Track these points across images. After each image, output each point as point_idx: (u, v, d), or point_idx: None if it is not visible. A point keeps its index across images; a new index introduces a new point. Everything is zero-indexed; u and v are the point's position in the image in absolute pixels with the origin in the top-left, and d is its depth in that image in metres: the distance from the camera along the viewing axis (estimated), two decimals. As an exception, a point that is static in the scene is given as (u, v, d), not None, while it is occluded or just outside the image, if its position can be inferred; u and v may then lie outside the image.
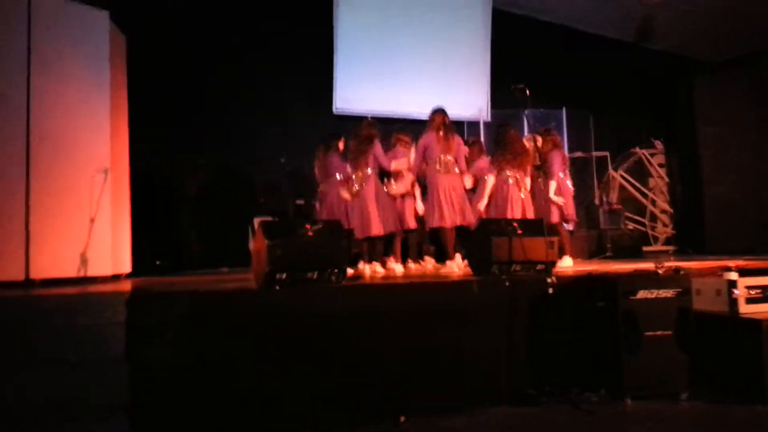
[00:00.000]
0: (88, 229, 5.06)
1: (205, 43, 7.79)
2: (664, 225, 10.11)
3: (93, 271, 5.04)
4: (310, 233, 3.56)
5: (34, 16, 4.83)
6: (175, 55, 7.55)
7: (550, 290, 3.78)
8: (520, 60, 8.78)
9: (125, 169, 5.97)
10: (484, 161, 6.02)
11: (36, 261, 4.69)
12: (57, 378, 3.03)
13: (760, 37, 8.75)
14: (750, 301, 3.87)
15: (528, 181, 5.73)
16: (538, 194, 5.99)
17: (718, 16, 8.51)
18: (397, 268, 5.55)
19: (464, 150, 5.78)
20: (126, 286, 4.60)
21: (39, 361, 3.11)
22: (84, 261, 5.01)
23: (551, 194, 5.94)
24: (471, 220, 5.41)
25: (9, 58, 4.72)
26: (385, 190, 5.67)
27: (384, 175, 5.81)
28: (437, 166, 5.42)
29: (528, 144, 6.00)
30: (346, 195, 5.65)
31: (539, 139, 6.22)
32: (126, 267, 5.80)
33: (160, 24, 7.41)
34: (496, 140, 5.88)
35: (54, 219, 4.85)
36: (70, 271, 4.90)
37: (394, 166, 5.73)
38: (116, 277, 5.43)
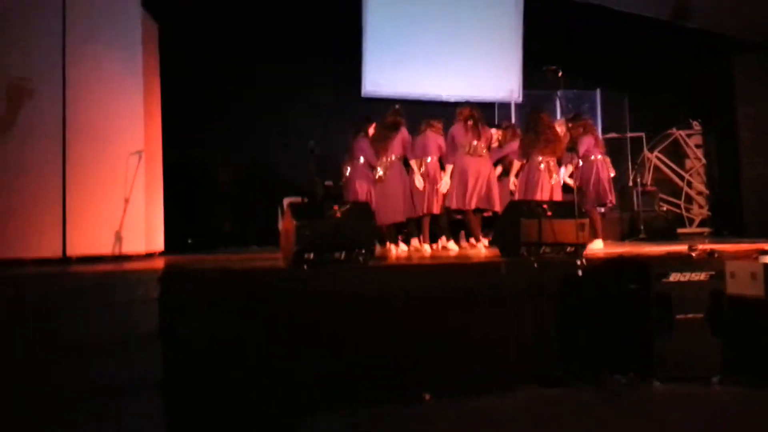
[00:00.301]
0: (123, 209, 5.18)
1: (237, 31, 7.84)
2: (700, 207, 9.88)
3: (127, 248, 5.17)
4: (338, 214, 3.59)
5: (67, 6, 4.92)
6: (208, 41, 7.63)
7: (580, 272, 3.75)
8: (553, 40, 8.61)
9: (158, 151, 6.09)
10: (515, 144, 5.96)
11: (72, 239, 4.82)
12: (91, 355, 3.12)
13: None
14: (787, 284, 3.76)
15: (562, 169, 5.70)
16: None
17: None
18: (425, 248, 5.56)
19: (493, 139, 5.81)
20: (159, 263, 4.72)
21: (74, 338, 3.21)
22: (118, 239, 5.14)
23: (565, 176, 5.88)
24: (497, 206, 5.39)
25: (44, 51, 4.82)
26: (417, 179, 5.67)
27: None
28: (466, 149, 5.41)
29: (560, 129, 5.92)
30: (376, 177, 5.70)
31: (568, 124, 6.12)
32: (159, 245, 5.94)
33: (192, 11, 7.46)
34: (527, 126, 5.82)
35: (90, 199, 4.98)
36: (105, 248, 5.03)
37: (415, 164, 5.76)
38: (150, 255, 5.56)
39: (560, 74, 5.27)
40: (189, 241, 7.01)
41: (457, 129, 5.53)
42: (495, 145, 6.17)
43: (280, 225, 6.26)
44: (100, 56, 5.16)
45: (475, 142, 5.42)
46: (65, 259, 4.73)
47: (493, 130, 6.24)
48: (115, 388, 3.12)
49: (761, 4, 8.42)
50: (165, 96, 6.25)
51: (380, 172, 5.66)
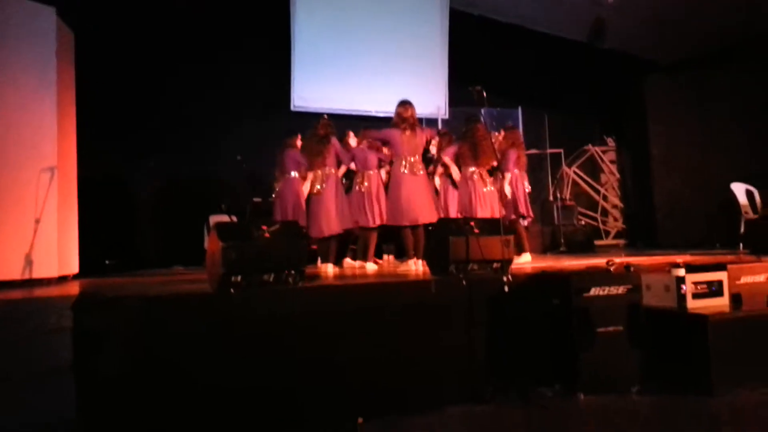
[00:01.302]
0: (33, 230, 4.88)
1: (158, 41, 7.59)
2: (615, 219, 10.38)
3: (39, 272, 4.87)
4: (267, 234, 3.50)
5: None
6: (126, 52, 7.35)
7: (506, 288, 3.82)
8: (477, 58, 8.87)
9: (73, 167, 5.78)
10: (451, 151, 6.05)
11: (-23, 264, 4.50)
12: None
13: (706, 39, 9.04)
14: (696, 296, 3.98)
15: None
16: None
17: (665, 18, 8.76)
18: (368, 266, 5.54)
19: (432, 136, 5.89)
20: (73, 288, 4.45)
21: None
22: (29, 262, 4.84)
23: (505, 188, 6.08)
24: (432, 219, 5.45)
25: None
26: (357, 188, 5.65)
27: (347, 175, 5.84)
28: (402, 168, 5.40)
29: (495, 139, 6.13)
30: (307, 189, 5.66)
31: (500, 136, 6.34)
32: (74, 268, 5.62)
33: (109, 20, 7.20)
34: (464, 135, 5.92)
35: (-3, 219, 4.66)
36: (14, 273, 4.72)
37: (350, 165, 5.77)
38: (63, 279, 5.26)
39: (485, 94, 5.41)
40: (107, 262, 6.67)
41: (393, 134, 5.51)
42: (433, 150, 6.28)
43: (206, 245, 6.08)
44: (11, 67, 4.87)
45: (411, 157, 5.44)
46: (-32, 286, 4.40)
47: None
48: (26, 427, 2.91)
49: (669, 28, 9.00)
50: (80, 109, 5.95)
51: (317, 185, 5.60)
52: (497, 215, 5.73)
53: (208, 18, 7.94)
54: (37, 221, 4.89)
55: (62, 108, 5.35)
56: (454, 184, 6.05)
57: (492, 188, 5.86)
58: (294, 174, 5.87)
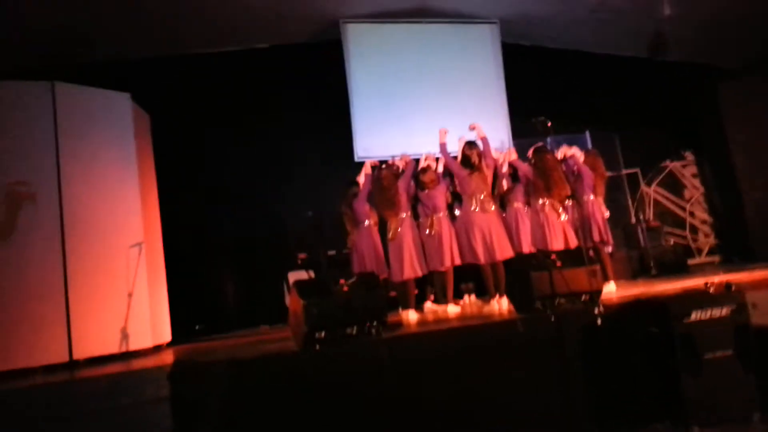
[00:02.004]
0: (127, 304, 5.11)
1: (227, 112, 7.97)
2: (706, 235, 9.82)
3: (134, 344, 5.06)
4: (346, 288, 3.51)
5: (58, 107, 5.01)
6: (197, 125, 7.74)
7: (599, 321, 3.64)
8: (537, 88, 8.79)
9: (158, 239, 6.06)
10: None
11: (78, 341, 4.74)
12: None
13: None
14: (811, 310, 3.67)
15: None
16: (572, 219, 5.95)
17: (727, 20, 8.42)
18: (450, 308, 5.48)
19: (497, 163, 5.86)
20: (168, 357, 4.60)
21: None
22: (125, 336, 5.05)
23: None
24: (510, 254, 5.35)
25: (38, 152, 4.89)
26: (427, 231, 5.64)
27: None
28: (472, 206, 5.40)
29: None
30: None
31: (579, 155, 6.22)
32: (166, 336, 5.82)
33: (182, 96, 7.62)
34: (534, 166, 5.84)
35: (93, 297, 4.91)
36: (112, 347, 4.92)
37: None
38: (158, 348, 5.45)
39: (549, 124, 5.35)
40: (197, 327, 6.89)
41: (461, 173, 5.56)
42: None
43: (288, 301, 6.17)
44: (94, 152, 5.21)
45: (479, 195, 5.42)
46: (72, 363, 4.63)
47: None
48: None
49: (732, 30, 8.64)
50: (161, 183, 6.28)
51: (392, 230, 5.64)
52: (572, 246, 5.56)
53: (271, 85, 8.28)
54: (130, 295, 5.11)
55: (144, 185, 5.66)
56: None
57: (565, 218, 5.72)
58: (367, 222, 5.91)
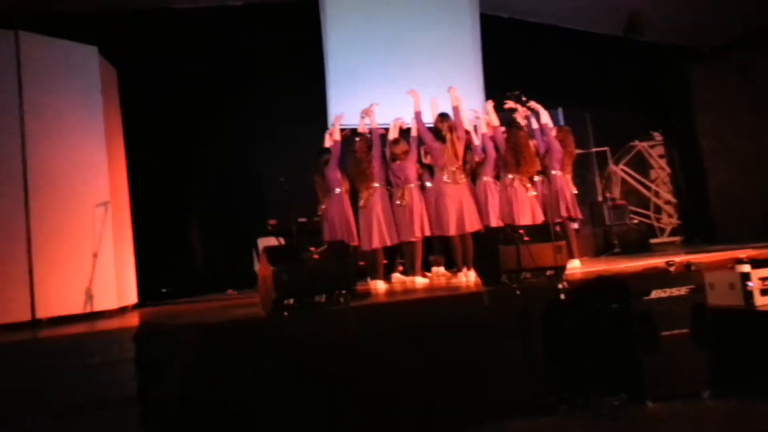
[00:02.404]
0: (92, 264, 5.03)
1: (199, 72, 7.77)
2: (669, 216, 10.07)
3: (99, 305, 5.00)
4: (315, 256, 3.52)
5: (23, 58, 4.82)
6: (170, 83, 7.54)
7: (562, 296, 3.73)
8: (513, 62, 8.78)
9: (125, 199, 5.95)
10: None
11: (41, 300, 4.66)
12: (67, 423, 2.98)
13: (747, 20, 8.71)
14: (765, 292, 3.80)
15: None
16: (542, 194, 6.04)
17: (702, 2, 8.48)
18: (417, 280, 5.53)
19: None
20: (133, 320, 4.57)
21: (48, 405, 3.07)
22: (89, 296, 4.98)
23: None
24: (479, 227, 5.41)
25: (0, 105, 4.70)
26: (397, 202, 5.65)
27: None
28: (444, 178, 5.42)
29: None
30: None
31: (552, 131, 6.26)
32: (132, 298, 5.77)
33: (151, 54, 7.40)
34: (506, 141, 5.86)
35: (56, 256, 4.82)
36: (76, 307, 4.86)
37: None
38: (123, 310, 5.40)
39: (524, 98, 5.37)
40: (163, 290, 6.83)
41: (434, 145, 5.54)
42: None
43: (257, 268, 6.15)
44: (60, 107, 5.05)
45: (452, 166, 5.44)
46: (35, 322, 4.56)
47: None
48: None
49: (707, 12, 8.72)
50: (128, 142, 6.13)
51: (364, 199, 5.64)
52: (539, 221, 5.65)
53: (244, 46, 8.09)
54: (95, 255, 5.03)
55: (111, 143, 5.52)
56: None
57: (534, 193, 5.80)
58: (338, 190, 5.89)
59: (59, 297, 4.77)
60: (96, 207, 5.13)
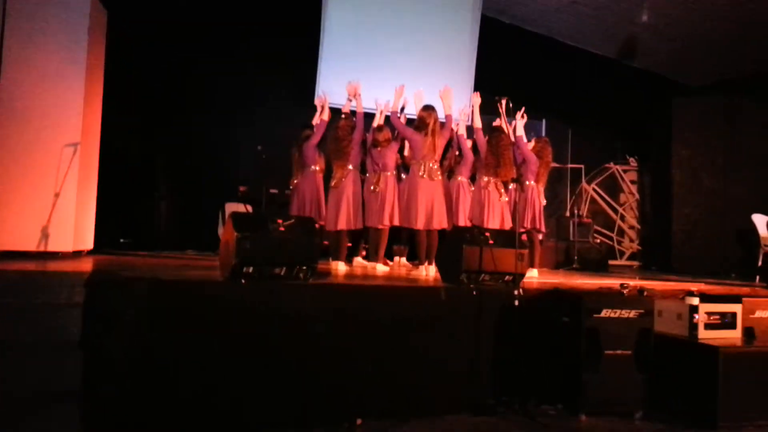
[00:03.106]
0: (52, 203, 4.93)
1: (189, 26, 7.62)
2: (631, 240, 10.29)
3: (54, 246, 4.91)
4: (282, 228, 3.50)
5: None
6: (159, 32, 7.38)
7: (516, 302, 3.79)
8: (505, 67, 8.83)
9: (96, 144, 5.84)
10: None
11: (-5, 232, 4.56)
12: (6, 361, 2.93)
13: (738, 64, 8.93)
14: (709, 326, 3.93)
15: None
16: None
17: (698, 41, 8.66)
18: (378, 267, 5.54)
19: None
20: (87, 265, 4.49)
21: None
22: (45, 235, 4.89)
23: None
24: (446, 225, 5.44)
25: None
26: (372, 188, 5.64)
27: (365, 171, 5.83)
28: (420, 172, 5.41)
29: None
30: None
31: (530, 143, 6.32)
32: (89, 243, 5.68)
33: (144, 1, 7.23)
34: (488, 144, 5.88)
35: (17, 190, 4.72)
36: (31, 244, 4.77)
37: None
38: (77, 254, 5.30)
39: (511, 105, 5.40)
40: (122, 240, 6.72)
41: (416, 137, 5.52)
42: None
43: (220, 232, 6.10)
44: (44, 41, 4.91)
45: (429, 162, 5.45)
46: (-15, 254, 4.46)
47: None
48: (30, 395, 2.94)
49: (702, 51, 8.90)
50: (108, 86, 6.00)
51: (336, 179, 5.62)
52: (506, 227, 5.72)
53: (237, 8, 7.96)
54: (57, 195, 4.93)
55: (89, 85, 5.39)
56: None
57: (506, 199, 5.84)
58: (313, 168, 5.88)
59: (14, 231, 4.68)
60: (65, 147, 5.02)
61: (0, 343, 3.04)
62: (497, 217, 5.76)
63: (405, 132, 5.64)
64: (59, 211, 4.94)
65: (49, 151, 4.94)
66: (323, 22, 8.33)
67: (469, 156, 6.10)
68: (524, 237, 5.93)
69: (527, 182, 6.18)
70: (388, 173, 5.70)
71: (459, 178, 6.16)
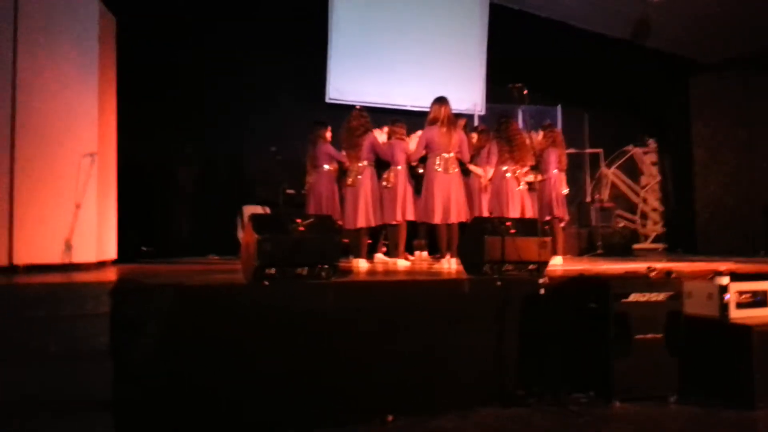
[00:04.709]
0: (74, 215, 4.95)
1: (200, 30, 7.65)
2: (654, 223, 10.14)
3: (78, 257, 4.93)
4: (301, 227, 3.49)
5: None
6: (170, 38, 7.42)
7: (542, 291, 3.74)
8: (517, 55, 8.73)
9: (113, 153, 5.85)
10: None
11: (20, 246, 4.59)
12: (37, 371, 2.95)
13: (754, 38, 8.73)
14: (740, 305, 3.85)
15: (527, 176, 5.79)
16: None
17: (712, 16, 8.49)
18: (400, 262, 5.53)
19: (466, 140, 5.78)
20: (111, 275, 4.52)
21: (19, 352, 3.04)
22: (68, 247, 4.91)
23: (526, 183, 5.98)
24: (465, 218, 5.41)
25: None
26: (384, 183, 5.63)
27: (380, 166, 5.79)
28: (436, 165, 5.39)
29: (536, 138, 6.05)
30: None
31: (538, 136, 6.25)
32: (111, 253, 5.70)
33: (153, 5, 7.26)
34: (498, 132, 5.86)
35: (39, 204, 4.74)
36: (55, 257, 4.79)
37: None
38: (101, 264, 5.34)
39: (525, 92, 5.33)
40: (144, 248, 6.77)
41: (431, 132, 5.48)
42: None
43: (240, 234, 6.12)
44: (55, 51, 4.92)
45: (446, 155, 5.41)
46: (11, 268, 4.49)
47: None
48: (61, 405, 2.96)
49: (716, 26, 8.72)
50: (121, 94, 6.02)
51: (351, 177, 5.61)
52: (527, 215, 5.67)
53: (247, 8, 7.97)
54: (77, 206, 4.95)
55: (103, 94, 5.41)
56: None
57: (524, 187, 5.80)
58: (327, 167, 5.87)
59: (39, 244, 4.70)
60: (83, 157, 5.03)
61: (31, 353, 3.06)
62: (517, 206, 5.73)
63: (422, 140, 5.58)
64: (81, 223, 4.96)
65: (69, 163, 4.95)
66: (330, 18, 8.32)
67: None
68: (546, 226, 5.88)
69: (549, 172, 6.12)
70: (399, 167, 5.68)
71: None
